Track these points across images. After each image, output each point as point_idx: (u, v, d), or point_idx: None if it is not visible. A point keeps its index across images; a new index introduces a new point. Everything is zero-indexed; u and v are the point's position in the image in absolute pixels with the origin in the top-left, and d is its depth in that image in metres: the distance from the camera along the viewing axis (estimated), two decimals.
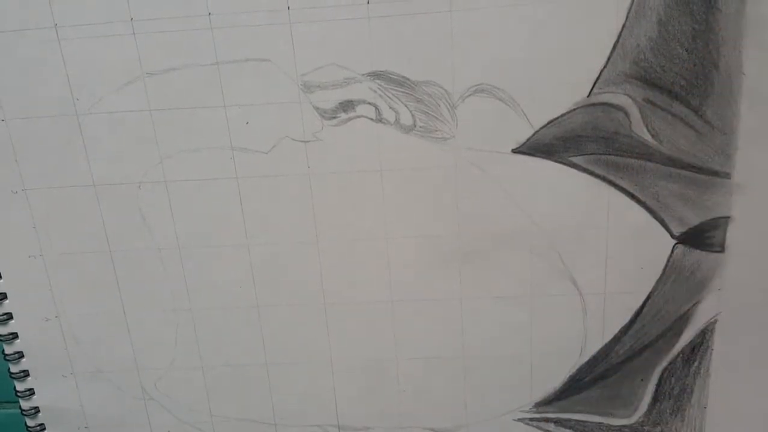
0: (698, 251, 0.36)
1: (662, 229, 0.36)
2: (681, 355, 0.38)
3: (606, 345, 0.39)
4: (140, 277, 0.39)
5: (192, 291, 0.39)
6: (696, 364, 0.38)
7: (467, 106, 0.35)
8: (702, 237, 0.36)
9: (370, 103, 0.35)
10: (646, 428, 0.40)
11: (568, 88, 0.34)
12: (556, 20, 0.33)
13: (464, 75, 0.34)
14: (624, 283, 0.37)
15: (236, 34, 0.34)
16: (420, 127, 0.35)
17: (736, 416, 0.39)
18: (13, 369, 0.42)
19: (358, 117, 0.35)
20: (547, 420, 0.41)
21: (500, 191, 0.36)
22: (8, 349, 0.41)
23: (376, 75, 0.35)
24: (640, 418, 0.40)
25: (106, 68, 0.35)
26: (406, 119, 0.35)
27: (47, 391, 0.42)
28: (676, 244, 0.36)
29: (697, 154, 0.35)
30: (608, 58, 0.33)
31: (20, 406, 0.43)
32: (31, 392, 0.42)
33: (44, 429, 0.43)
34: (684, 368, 0.39)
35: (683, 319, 0.38)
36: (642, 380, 0.39)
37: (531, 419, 0.41)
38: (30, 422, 0.43)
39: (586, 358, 0.39)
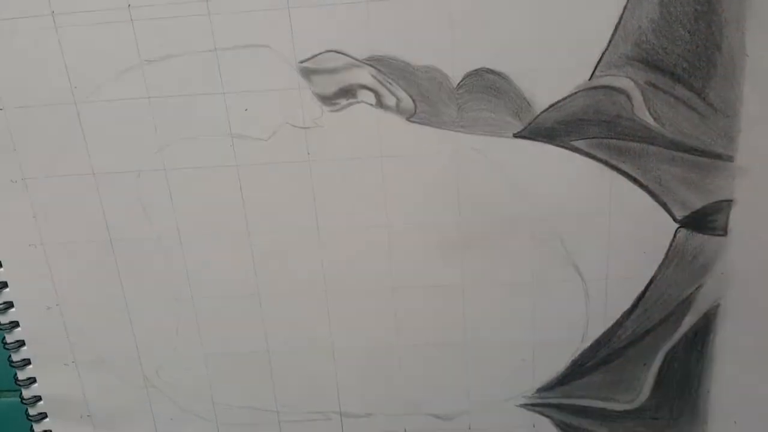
0: (701, 235, 0.36)
1: (665, 213, 0.36)
2: (684, 339, 0.38)
3: (608, 330, 0.38)
4: (141, 266, 0.39)
5: (193, 279, 0.39)
6: (699, 348, 0.38)
7: (468, 91, 0.34)
8: (705, 221, 0.36)
9: (370, 89, 0.35)
10: (648, 413, 0.40)
11: (570, 72, 0.34)
12: (556, 2, 0.33)
13: (465, 59, 0.34)
14: (626, 267, 0.37)
15: (234, 20, 0.34)
16: (421, 112, 0.35)
17: (740, 401, 0.39)
18: (14, 358, 0.42)
19: (359, 103, 0.35)
20: (549, 405, 0.41)
21: (501, 176, 0.36)
22: (9, 338, 0.41)
23: (375, 60, 0.34)
24: (642, 403, 0.40)
25: (104, 56, 0.35)
26: (406, 105, 0.35)
27: (48, 380, 0.42)
28: (678, 228, 0.36)
29: (699, 137, 0.34)
30: (609, 41, 0.33)
31: (21, 395, 0.43)
32: (32, 381, 0.42)
33: (45, 417, 0.43)
34: (687, 353, 0.38)
35: (686, 304, 0.38)
36: (645, 365, 0.39)
37: (533, 405, 0.41)
38: (31, 411, 0.43)
39: (588, 344, 0.39)
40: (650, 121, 0.34)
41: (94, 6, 0.34)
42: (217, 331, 0.40)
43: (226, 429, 0.43)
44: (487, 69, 0.34)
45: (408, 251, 0.38)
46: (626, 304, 0.38)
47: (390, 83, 0.35)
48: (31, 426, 0.43)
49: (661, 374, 0.39)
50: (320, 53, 0.35)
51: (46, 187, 0.38)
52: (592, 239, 0.37)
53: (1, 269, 0.40)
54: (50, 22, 0.34)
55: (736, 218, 0.36)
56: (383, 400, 0.41)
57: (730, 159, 0.35)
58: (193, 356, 0.41)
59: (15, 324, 0.41)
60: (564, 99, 0.34)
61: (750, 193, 0.35)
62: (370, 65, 0.34)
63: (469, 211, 0.37)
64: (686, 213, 0.36)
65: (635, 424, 0.40)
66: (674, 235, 0.36)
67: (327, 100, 0.35)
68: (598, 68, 0.33)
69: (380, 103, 0.35)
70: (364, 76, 0.35)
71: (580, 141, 0.35)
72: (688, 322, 0.38)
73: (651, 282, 0.37)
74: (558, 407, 0.40)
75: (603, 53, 0.33)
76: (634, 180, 0.35)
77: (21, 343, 0.41)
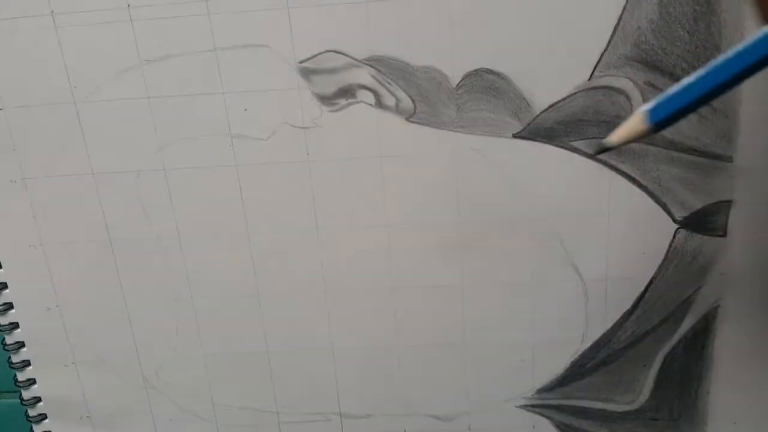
0: (700, 236, 0.36)
1: (664, 214, 0.36)
2: (683, 340, 0.38)
3: (608, 331, 0.38)
4: (140, 266, 0.39)
5: (192, 279, 0.39)
6: (698, 349, 0.38)
7: (467, 91, 0.34)
8: (704, 221, 0.36)
9: (369, 89, 0.35)
10: (648, 414, 0.40)
11: (569, 72, 0.34)
12: (556, 3, 0.33)
13: (464, 59, 0.34)
14: (626, 268, 0.37)
15: (234, 20, 0.34)
16: (420, 112, 0.35)
17: (739, 402, 0.39)
18: (14, 359, 0.42)
19: (358, 103, 0.35)
20: (549, 406, 0.40)
21: (501, 177, 0.36)
22: (9, 339, 0.41)
23: (375, 60, 0.34)
24: (642, 404, 0.40)
25: (103, 56, 0.35)
26: (406, 105, 0.35)
27: (48, 381, 0.42)
28: (678, 228, 0.36)
29: (699, 138, 0.34)
30: (609, 41, 0.33)
31: (21, 396, 0.43)
32: (31, 382, 0.42)
33: (45, 418, 0.43)
34: (686, 354, 0.38)
35: (685, 305, 0.38)
36: (644, 366, 0.39)
37: (533, 406, 0.41)
38: (31, 412, 0.43)
39: (588, 345, 0.39)
40: None
41: (94, 6, 0.34)
42: (216, 332, 0.40)
43: (226, 430, 0.43)
44: (487, 69, 0.34)
45: (407, 251, 0.38)
46: (626, 305, 0.38)
47: (389, 83, 0.35)
48: (31, 427, 0.43)
49: (660, 375, 0.39)
50: (320, 53, 0.35)
51: (45, 187, 0.38)
52: (591, 240, 0.37)
53: (1, 270, 0.40)
54: (50, 22, 0.35)
55: (735, 219, 0.36)
56: (383, 400, 0.41)
57: (730, 159, 0.35)
58: (192, 357, 0.41)
59: (15, 325, 0.41)
60: (563, 99, 0.34)
61: (749, 193, 0.35)
62: (370, 65, 0.34)
63: (469, 211, 0.37)
64: (686, 214, 0.36)
65: (635, 425, 0.40)
66: (674, 236, 0.36)
67: (326, 100, 0.35)
68: (598, 68, 0.33)
69: (379, 103, 0.35)
70: (364, 76, 0.35)
71: (579, 141, 0.35)
72: (688, 323, 0.38)
73: (650, 283, 0.37)
74: (558, 408, 0.40)
75: (602, 54, 0.33)
76: (634, 180, 0.35)
77: (21, 345, 0.41)
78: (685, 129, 0.34)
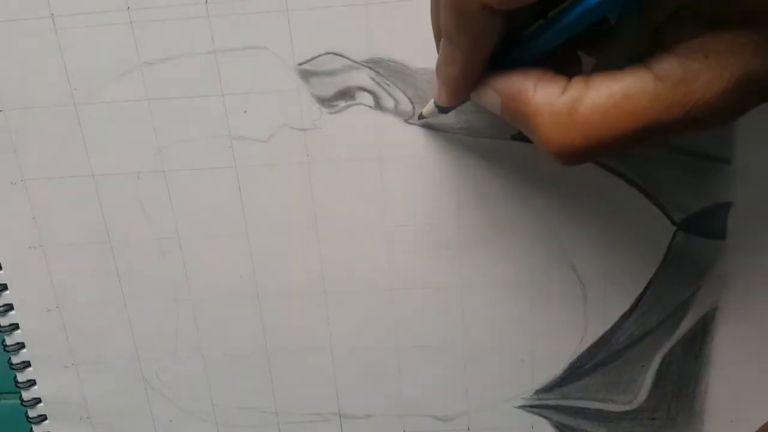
0: (699, 237, 0.36)
1: (662, 216, 0.36)
2: (682, 341, 0.38)
3: (607, 332, 0.39)
4: (140, 267, 0.39)
5: (192, 280, 0.39)
6: (697, 350, 0.39)
7: None
8: (703, 223, 0.36)
9: (368, 91, 0.35)
10: (646, 414, 0.40)
11: None
12: None
13: None
14: (624, 270, 0.37)
15: (233, 22, 0.34)
16: (419, 114, 0.35)
17: (736, 401, 0.39)
18: (14, 360, 0.42)
19: (357, 105, 0.35)
20: (547, 407, 0.41)
21: (499, 178, 0.36)
22: (9, 340, 0.41)
23: (374, 62, 0.34)
24: (640, 404, 0.40)
25: (103, 58, 0.35)
26: (404, 107, 0.35)
27: (48, 382, 0.42)
28: (676, 230, 0.36)
29: (697, 140, 0.34)
30: None
31: (21, 397, 0.43)
32: (32, 383, 0.42)
33: (45, 419, 0.43)
34: (685, 355, 0.39)
35: (684, 306, 0.38)
36: (642, 366, 0.39)
37: (532, 406, 0.41)
38: (31, 413, 0.43)
39: (586, 345, 0.39)
40: None
41: (94, 8, 0.34)
42: (216, 333, 0.41)
43: (226, 430, 0.43)
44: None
45: (406, 252, 0.38)
46: (624, 306, 0.38)
47: (388, 85, 0.35)
48: (31, 428, 0.43)
49: (658, 375, 0.39)
50: (319, 55, 0.35)
51: (45, 188, 0.38)
52: (590, 242, 0.37)
53: (1, 271, 0.40)
54: (50, 24, 0.34)
55: (734, 221, 0.36)
56: (382, 401, 0.41)
57: (728, 161, 0.35)
58: (192, 357, 0.41)
59: (15, 326, 0.41)
60: None
61: (748, 195, 0.35)
62: (369, 67, 0.35)
63: (468, 212, 0.37)
64: (684, 215, 0.36)
65: (633, 425, 0.40)
66: (672, 238, 0.36)
67: (326, 101, 0.35)
68: (595, 71, 0.33)
69: (378, 105, 0.35)
70: (363, 78, 0.35)
71: None
72: (686, 324, 0.38)
73: (649, 284, 0.37)
74: (556, 408, 0.41)
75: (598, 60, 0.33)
76: (632, 182, 0.35)
77: (21, 346, 0.41)
78: None
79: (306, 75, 0.35)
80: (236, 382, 0.42)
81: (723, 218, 0.36)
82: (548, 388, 0.40)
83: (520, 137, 0.35)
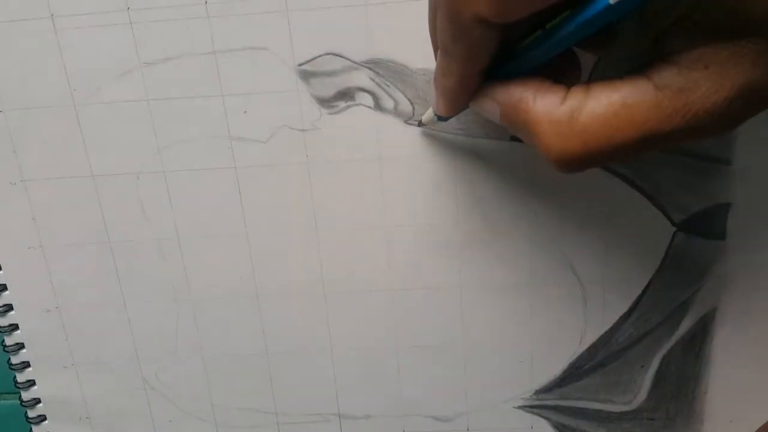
0: (699, 238, 0.36)
1: (662, 217, 0.36)
2: (681, 342, 0.38)
3: (606, 333, 0.39)
4: (140, 268, 0.39)
5: (192, 281, 0.39)
6: (696, 351, 0.39)
7: None
8: (702, 224, 0.36)
9: (368, 92, 0.35)
10: (645, 414, 0.40)
11: None
12: None
13: None
14: (624, 270, 0.37)
15: (233, 22, 0.34)
16: (418, 115, 0.35)
17: (736, 401, 0.39)
18: (14, 360, 0.42)
19: (357, 105, 0.35)
20: (547, 407, 0.41)
21: (499, 179, 0.36)
22: (8, 340, 0.41)
23: (374, 63, 0.34)
24: (639, 404, 0.40)
25: (103, 58, 0.35)
26: (404, 107, 0.35)
27: (48, 382, 0.42)
28: (676, 231, 0.36)
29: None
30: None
31: (20, 397, 0.43)
32: (31, 383, 0.42)
33: (45, 420, 0.43)
34: (684, 355, 0.39)
35: (683, 307, 0.38)
36: (642, 367, 0.39)
37: (531, 407, 0.41)
38: (30, 413, 0.43)
39: (586, 346, 0.39)
40: None
41: (94, 8, 0.34)
42: (215, 333, 0.41)
43: (225, 431, 0.43)
44: None
45: (406, 253, 0.38)
46: (624, 307, 0.38)
47: (388, 86, 0.35)
48: (31, 428, 0.43)
49: (658, 376, 0.39)
50: (319, 56, 0.35)
51: (45, 189, 0.38)
52: (589, 242, 0.37)
53: (1, 272, 0.40)
54: (50, 25, 0.34)
55: (733, 222, 0.36)
56: (382, 401, 0.41)
57: (728, 162, 0.35)
58: (191, 358, 0.41)
59: (14, 327, 0.41)
60: None
61: (747, 196, 0.35)
62: (369, 68, 0.35)
63: (467, 213, 0.37)
64: (684, 216, 0.36)
65: (632, 425, 0.40)
66: (672, 239, 0.36)
67: (325, 102, 0.35)
68: (595, 71, 0.33)
69: (378, 106, 0.35)
70: (363, 78, 0.35)
71: None
72: (686, 325, 0.38)
73: (648, 285, 0.37)
74: (555, 409, 0.41)
75: (596, 62, 0.33)
76: (632, 183, 0.36)
77: (20, 346, 0.41)
78: None
79: (306, 75, 0.35)
80: (236, 382, 0.42)
81: (723, 219, 0.36)
82: (548, 389, 0.40)
83: (520, 139, 0.35)
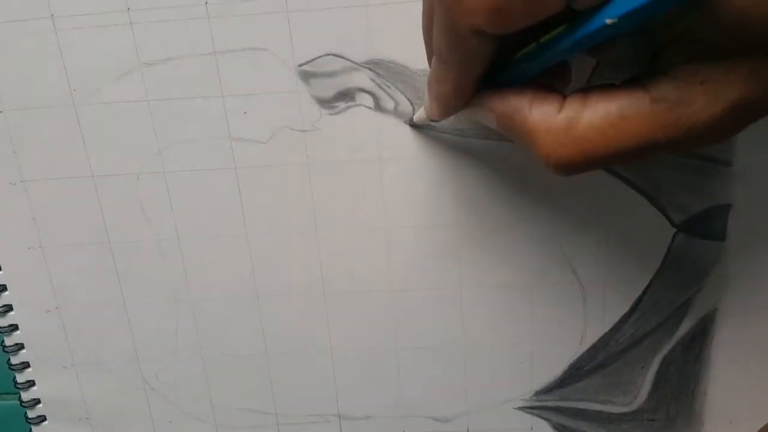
0: (699, 239, 0.36)
1: (662, 218, 0.36)
2: (681, 343, 0.38)
3: (606, 333, 0.39)
4: (140, 268, 0.39)
5: (192, 281, 0.39)
6: (696, 352, 0.39)
7: None
8: (703, 225, 0.36)
9: (368, 92, 0.35)
10: (645, 416, 0.40)
11: None
12: None
13: None
14: (624, 271, 0.37)
15: (233, 23, 0.34)
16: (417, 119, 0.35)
17: (737, 404, 0.39)
18: (13, 360, 0.42)
19: (357, 106, 0.35)
20: (547, 408, 0.41)
21: (499, 180, 0.36)
22: (8, 341, 0.41)
23: (374, 64, 0.34)
24: (639, 405, 0.40)
25: (103, 59, 0.35)
26: (404, 108, 0.35)
27: (47, 383, 0.42)
28: (676, 232, 0.36)
29: None
30: None
31: (20, 398, 0.43)
32: (31, 383, 0.42)
33: (44, 420, 0.43)
34: (684, 356, 0.39)
35: (684, 308, 0.38)
36: (642, 368, 0.39)
37: (531, 407, 0.41)
38: (30, 413, 0.43)
39: (586, 347, 0.39)
40: None
41: (94, 9, 0.34)
42: (215, 334, 0.40)
43: (225, 431, 0.43)
44: None
45: (406, 253, 0.38)
46: (624, 308, 0.38)
47: (388, 86, 0.35)
48: (30, 429, 0.43)
49: (658, 377, 0.39)
50: (319, 56, 0.35)
51: (45, 189, 0.38)
52: (589, 243, 0.37)
53: (1, 272, 0.40)
54: (50, 25, 0.34)
55: (734, 223, 0.36)
56: (382, 402, 0.41)
57: (728, 163, 0.35)
58: (191, 358, 0.41)
59: (14, 327, 0.41)
60: None
61: (748, 197, 0.35)
62: (369, 68, 0.35)
63: (467, 213, 0.37)
64: (684, 217, 0.36)
65: (632, 426, 0.40)
66: (672, 240, 0.36)
67: (325, 103, 0.35)
68: (594, 75, 0.33)
69: (378, 107, 0.35)
70: (363, 79, 0.35)
71: None
72: (686, 326, 0.38)
73: (649, 286, 0.37)
74: (556, 410, 0.41)
75: (596, 64, 0.33)
76: (632, 184, 0.35)
77: (20, 346, 0.41)
78: None
79: (306, 76, 0.35)
80: (236, 383, 0.42)
81: (723, 220, 0.36)
82: (548, 390, 0.40)
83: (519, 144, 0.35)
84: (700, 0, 0.20)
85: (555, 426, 0.41)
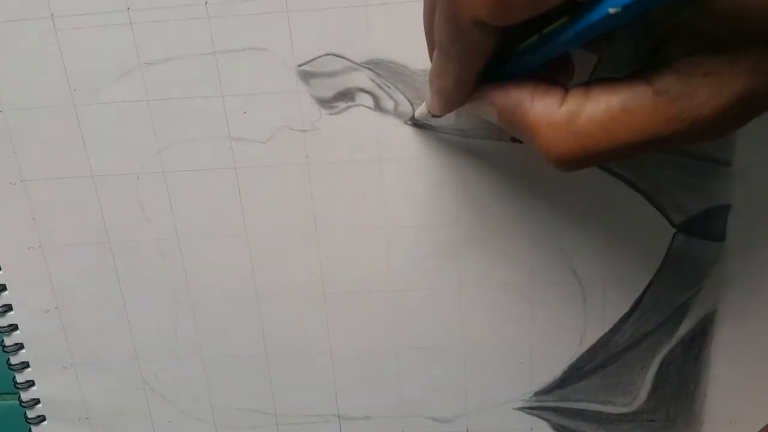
0: (698, 240, 0.36)
1: (662, 218, 0.36)
2: (681, 343, 0.38)
3: (606, 334, 0.39)
4: (140, 268, 0.39)
5: (191, 281, 0.39)
6: (696, 352, 0.39)
7: None
8: (702, 225, 0.36)
9: (368, 92, 0.35)
10: (645, 416, 0.40)
11: None
12: None
13: None
14: (624, 272, 0.37)
15: (233, 23, 0.34)
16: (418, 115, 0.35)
17: (736, 404, 0.39)
18: (13, 360, 0.42)
19: (357, 106, 0.35)
20: (547, 409, 0.41)
21: (499, 180, 0.36)
22: (8, 341, 0.41)
23: (374, 64, 0.34)
24: (639, 405, 0.40)
25: (103, 58, 0.35)
26: (404, 108, 0.35)
27: (47, 383, 0.42)
28: (676, 232, 0.36)
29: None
30: None
31: (20, 398, 0.43)
32: (30, 383, 0.42)
33: (44, 420, 0.43)
34: (684, 357, 0.39)
35: (683, 308, 0.38)
36: (642, 368, 0.39)
37: (531, 408, 0.41)
38: (30, 414, 0.43)
39: (585, 347, 0.39)
40: None
41: (94, 9, 0.34)
42: (215, 334, 0.40)
43: None
44: None
45: (406, 253, 0.38)
46: (624, 308, 0.38)
47: (388, 86, 0.35)
48: (30, 429, 0.43)
49: (658, 377, 0.39)
50: (319, 56, 0.35)
51: (45, 189, 0.38)
52: (589, 243, 0.37)
53: (0, 272, 0.40)
54: (50, 25, 0.34)
55: (733, 223, 0.36)
56: (381, 402, 0.41)
57: (728, 164, 0.35)
58: (191, 359, 0.41)
59: (14, 327, 0.41)
60: None
61: (748, 197, 0.35)
62: (369, 69, 0.35)
63: (467, 214, 0.37)
64: (684, 218, 0.36)
65: (632, 427, 0.40)
66: (672, 240, 0.36)
67: (325, 103, 0.35)
68: (595, 72, 0.33)
69: (378, 107, 0.35)
70: (363, 79, 0.35)
71: None
72: (686, 326, 0.38)
73: (648, 286, 0.37)
74: (555, 410, 0.41)
75: (596, 64, 0.33)
76: (632, 184, 0.35)
77: (20, 346, 0.41)
78: None
79: (306, 76, 0.35)
80: (235, 383, 0.42)
81: (723, 220, 0.36)
82: (547, 390, 0.40)
83: (520, 140, 0.35)
84: None
85: (555, 426, 0.41)
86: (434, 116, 0.32)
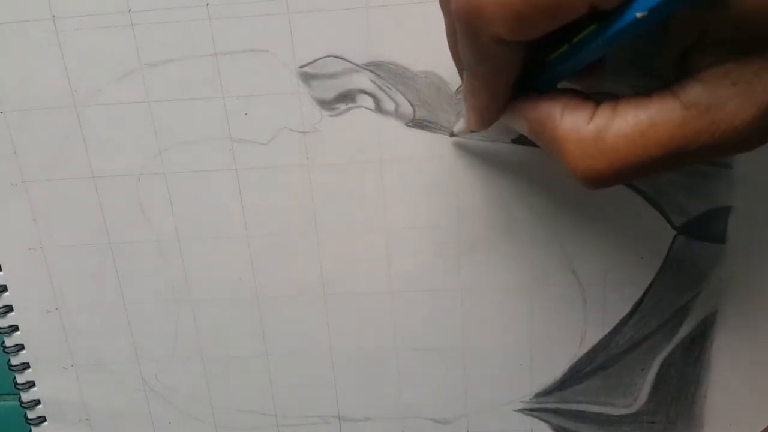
0: (699, 242, 0.36)
1: (663, 220, 0.36)
2: (681, 345, 0.38)
3: (606, 336, 0.39)
4: (140, 269, 0.39)
5: (192, 282, 0.39)
6: (696, 354, 0.39)
7: None
8: (703, 227, 0.36)
9: (369, 94, 0.35)
10: (645, 417, 0.40)
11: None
12: None
13: None
14: (624, 273, 0.37)
15: (234, 24, 0.34)
16: (419, 117, 0.35)
17: (736, 406, 0.39)
18: (13, 361, 0.42)
19: (358, 108, 0.35)
20: (547, 410, 0.41)
21: (500, 181, 0.36)
22: (8, 341, 0.41)
23: (375, 65, 0.34)
24: (639, 407, 0.40)
25: (104, 60, 0.35)
26: (405, 110, 0.35)
27: (47, 383, 0.42)
28: (676, 234, 0.36)
29: None
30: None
31: (20, 399, 0.43)
32: (31, 384, 0.42)
33: (44, 421, 0.43)
34: (684, 359, 0.39)
35: (684, 310, 0.38)
36: (642, 370, 0.39)
37: (531, 410, 0.41)
38: (30, 414, 0.43)
39: (586, 349, 0.39)
40: None
41: (95, 10, 0.34)
42: (215, 335, 0.40)
43: None
44: None
45: (406, 255, 0.38)
46: (624, 310, 0.38)
47: (389, 88, 0.35)
48: (30, 429, 0.43)
49: (658, 379, 0.39)
50: (320, 58, 0.35)
51: (46, 190, 0.38)
52: (590, 245, 0.37)
53: (1, 273, 0.40)
54: (51, 26, 0.35)
55: (734, 225, 0.36)
56: (381, 403, 0.41)
57: (729, 166, 0.35)
58: (191, 359, 0.41)
59: (14, 328, 0.41)
60: None
61: (748, 200, 0.35)
62: (370, 70, 0.35)
63: (467, 215, 0.37)
64: (684, 219, 0.36)
65: (632, 429, 0.40)
66: (672, 242, 0.36)
67: (326, 104, 0.35)
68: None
69: (379, 108, 0.35)
70: (364, 81, 0.35)
71: None
72: (686, 328, 0.38)
73: (649, 288, 0.37)
74: (555, 412, 0.41)
75: (601, 59, 0.33)
76: (633, 186, 0.36)
77: (20, 347, 0.41)
78: None
79: (307, 78, 0.35)
80: (235, 384, 0.42)
81: (723, 222, 0.36)
82: (548, 392, 0.40)
83: (520, 141, 0.35)
84: None
85: (555, 428, 0.41)
86: (473, 131, 0.32)
